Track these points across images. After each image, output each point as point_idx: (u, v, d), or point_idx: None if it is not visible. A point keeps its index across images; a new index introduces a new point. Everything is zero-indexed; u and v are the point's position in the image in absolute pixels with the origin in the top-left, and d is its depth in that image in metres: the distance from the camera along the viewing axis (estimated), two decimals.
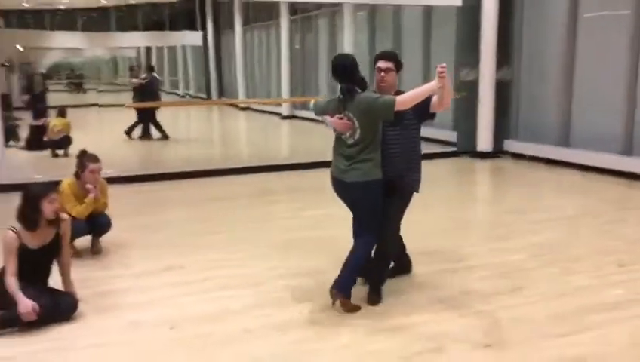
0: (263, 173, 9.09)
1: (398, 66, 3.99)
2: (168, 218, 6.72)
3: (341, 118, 3.84)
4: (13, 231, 3.77)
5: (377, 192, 3.91)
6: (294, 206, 7.34)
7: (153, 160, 11.22)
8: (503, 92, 10.39)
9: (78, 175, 5.01)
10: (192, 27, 24.33)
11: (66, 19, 25.15)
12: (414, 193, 4.12)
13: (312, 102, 4.42)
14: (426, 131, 12.23)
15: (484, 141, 10.36)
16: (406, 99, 3.69)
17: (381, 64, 3.95)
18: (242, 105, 21.67)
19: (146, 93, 12.96)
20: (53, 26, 25.26)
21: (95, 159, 4.99)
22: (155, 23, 25.59)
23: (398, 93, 3.84)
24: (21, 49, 23.44)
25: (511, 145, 10.37)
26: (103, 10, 23.65)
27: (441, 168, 9.79)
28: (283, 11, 17.74)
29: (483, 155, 10.31)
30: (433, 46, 12.51)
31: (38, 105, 13.88)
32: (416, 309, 3.97)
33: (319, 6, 16.78)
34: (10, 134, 12.16)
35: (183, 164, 9.78)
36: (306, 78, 18.13)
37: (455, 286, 4.38)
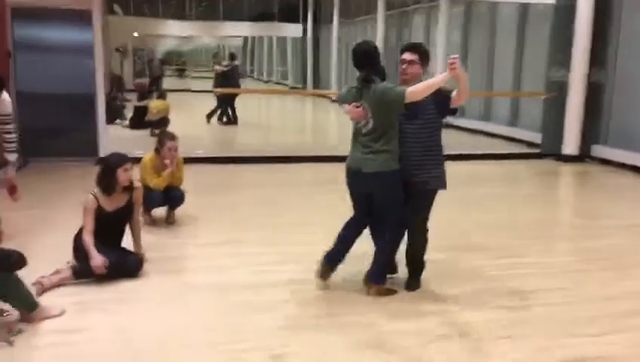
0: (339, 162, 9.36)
1: (424, 59, 3.93)
2: (240, 198, 7.17)
3: (357, 107, 3.85)
4: (92, 194, 4.30)
5: (396, 184, 3.89)
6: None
7: (237, 143, 11.88)
8: (595, 95, 10.02)
9: (157, 151, 5.54)
10: (294, 19, 25.01)
11: (179, 9, 26.68)
12: (438, 190, 4.04)
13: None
14: (510, 131, 12.00)
15: (571, 144, 10.06)
16: (417, 90, 3.64)
17: (406, 55, 3.92)
18: (334, 97, 21.99)
19: (227, 80, 13.63)
20: (167, 15, 26.89)
21: (172, 137, 5.49)
22: (260, 14, 26.50)
23: None
24: (136, 35, 25.11)
25: (599, 150, 9.98)
26: (212, 1, 24.84)
27: (521, 169, 9.67)
28: (380, 7, 17.91)
29: (568, 159, 10.00)
30: (527, 44, 12.26)
31: (152, 88, 15.04)
32: (450, 298, 4.10)
33: (417, 1, 16.81)
34: (117, 113, 13.28)
35: (263, 149, 10.28)
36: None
37: (496, 281, 4.46)
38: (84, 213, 4.27)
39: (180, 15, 26.31)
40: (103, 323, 3.61)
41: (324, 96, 23.02)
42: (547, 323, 3.74)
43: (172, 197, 5.63)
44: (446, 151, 4.08)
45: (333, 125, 16.95)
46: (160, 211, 5.75)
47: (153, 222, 5.64)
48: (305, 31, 24.77)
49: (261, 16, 26.07)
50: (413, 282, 4.26)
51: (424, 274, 4.30)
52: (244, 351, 3.28)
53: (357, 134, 3.96)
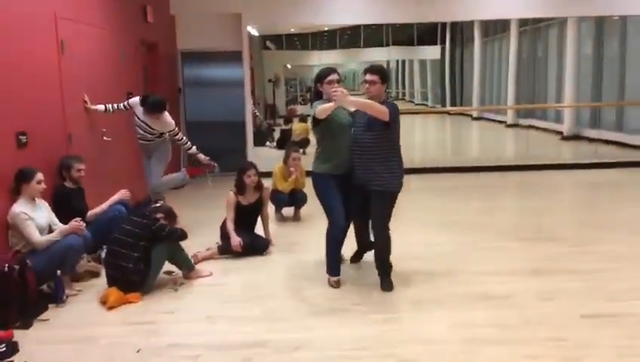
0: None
1: (384, 79, 4.49)
2: None
3: None
4: (232, 192, 5.79)
5: (320, 183, 4.72)
6: (468, 197, 8.43)
7: None
8: None
9: (285, 161, 6.98)
10: (432, 42, 25.94)
11: (328, 40, 28.82)
12: (397, 193, 4.57)
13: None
14: None
15: None
16: (320, 111, 4.41)
17: (367, 77, 4.51)
18: (474, 114, 22.51)
19: None
20: (317, 46, 29.19)
21: (296, 150, 6.89)
22: (400, 38, 27.76)
23: (384, 103, 4.40)
24: (289, 66, 27.59)
25: None
26: (355, 29, 26.56)
27: None
28: (513, 24, 18.33)
29: None
30: None
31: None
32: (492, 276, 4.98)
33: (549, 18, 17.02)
34: (268, 136, 15.23)
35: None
36: (536, 87, 18.42)
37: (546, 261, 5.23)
38: (227, 207, 5.78)
39: (328, 45, 28.43)
40: (237, 281, 5.03)
41: (463, 114, 23.64)
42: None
43: (297, 198, 7.01)
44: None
45: (474, 140, 17.65)
46: (289, 211, 7.16)
47: (283, 219, 7.07)
48: (442, 52, 25.57)
49: (401, 41, 27.30)
50: (385, 285, 4.68)
51: None
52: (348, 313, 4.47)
53: None
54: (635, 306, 4.19)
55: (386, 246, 4.73)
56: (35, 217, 4.60)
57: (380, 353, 3.59)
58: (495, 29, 21.36)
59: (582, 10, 11.07)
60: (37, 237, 4.53)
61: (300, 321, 4.14)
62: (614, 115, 13.81)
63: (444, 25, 25.03)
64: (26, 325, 4.10)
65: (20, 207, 4.53)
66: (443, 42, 25.70)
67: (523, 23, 18.28)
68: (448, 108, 24.57)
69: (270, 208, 6.81)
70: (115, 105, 6.44)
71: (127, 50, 7.62)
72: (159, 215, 4.92)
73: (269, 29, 18.30)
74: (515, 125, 18.32)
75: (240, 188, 5.76)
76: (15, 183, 4.62)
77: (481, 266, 5.18)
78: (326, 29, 27.35)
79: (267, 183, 6.22)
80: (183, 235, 5.03)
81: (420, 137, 18.87)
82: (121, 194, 5.60)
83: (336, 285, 4.77)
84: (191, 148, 6.79)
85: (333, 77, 4.67)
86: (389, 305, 4.41)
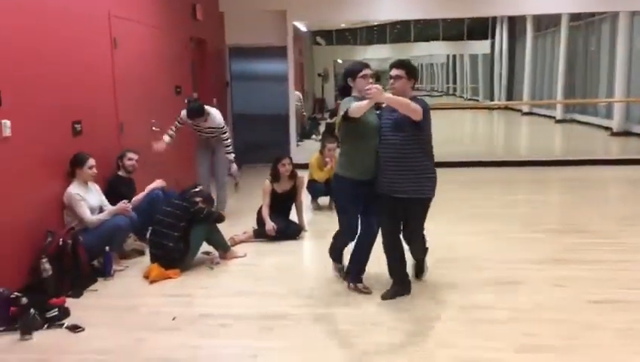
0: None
1: (410, 74, 4.17)
2: None
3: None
4: (268, 180, 6.16)
5: (339, 187, 4.45)
6: (497, 191, 8.55)
7: None
8: None
9: (321, 152, 7.31)
10: (483, 37, 25.74)
11: (379, 34, 28.97)
12: (431, 199, 4.27)
13: None
14: None
15: None
16: (353, 108, 4.04)
17: (393, 72, 4.19)
18: (525, 109, 22.26)
19: None
20: (367, 41, 29.40)
21: (331, 141, 7.19)
22: (450, 33, 27.65)
23: (413, 99, 4.06)
24: (340, 61, 27.91)
25: None
26: (405, 23, 26.63)
27: None
28: (564, 18, 18.09)
29: None
30: None
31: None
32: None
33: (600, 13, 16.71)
34: (314, 129, 15.62)
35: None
36: (587, 83, 18.13)
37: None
38: (263, 194, 6.16)
39: (379, 39, 28.59)
40: (269, 262, 5.41)
41: (513, 109, 23.42)
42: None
43: (332, 187, 7.31)
44: None
45: (521, 135, 17.54)
46: (324, 200, 7.48)
47: (318, 207, 7.40)
48: (493, 46, 25.34)
49: (451, 35, 27.19)
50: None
51: None
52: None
53: None
54: None
55: (424, 251, 4.64)
56: (88, 198, 5.09)
57: (389, 326, 3.88)
58: (547, 23, 21.07)
59: (634, 4, 10.89)
60: (89, 216, 5.01)
61: (322, 299, 4.47)
62: None
63: (494, 19, 24.83)
64: (77, 294, 4.58)
65: (74, 189, 5.03)
66: (493, 37, 25.46)
67: (575, 17, 18.02)
68: (490, 103, 24.33)
69: (307, 197, 7.21)
70: (173, 127, 6.77)
71: (176, 45, 8.09)
72: (198, 198, 5.33)
73: (317, 24, 18.64)
74: (563, 121, 18.10)
75: (275, 177, 6.13)
76: (70, 167, 5.12)
77: (503, 255, 5.38)
78: (375, 23, 27.64)
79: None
80: (220, 218, 5.44)
81: (467, 131, 18.90)
82: (157, 183, 5.96)
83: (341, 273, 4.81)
84: (230, 153, 6.92)
85: (367, 71, 4.32)
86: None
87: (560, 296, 4.33)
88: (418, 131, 4.11)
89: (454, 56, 33.76)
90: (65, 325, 4.02)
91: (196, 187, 5.63)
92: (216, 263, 5.33)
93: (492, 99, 25.19)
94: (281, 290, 4.67)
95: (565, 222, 6.70)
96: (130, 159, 5.81)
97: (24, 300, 3.91)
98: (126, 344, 3.75)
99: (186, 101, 7.62)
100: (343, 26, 26.25)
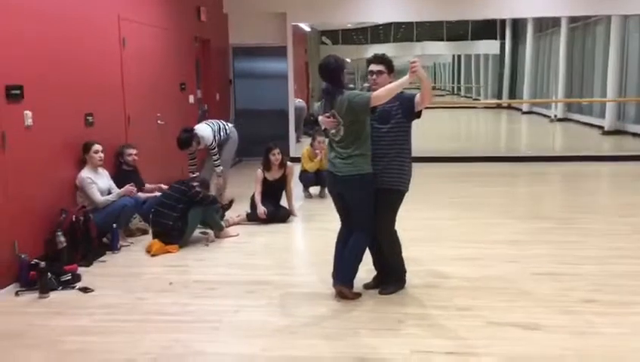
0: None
1: (390, 69, 4.15)
2: None
3: (328, 117, 4.09)
4: (260, 169, 6.79)
5: (367, 187, 4.10)
6: (481, 183, 9.13)
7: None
8: None
9: (312, 144, 7.93)
10: (487, 37, 26.15)
11: (385, 34, 29.50)
12: (405, 193, 4.26)
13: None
14: None
15: None
16: (380, 94, 3.91)
17: (372, 67, 4.12)
18: (524, 108, 22.75)
19: None
20: (372, 40, 29.92)
21: (321, 134, 7.80)
22: (455, 33, 28.10)
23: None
24: (348, 60, 28.52)
25: None
26: (409, 23, 27.18)
27: None
28: (563, 20, 18.58)
29: None
30: None
31: None
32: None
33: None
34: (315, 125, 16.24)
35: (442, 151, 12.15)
36: (583, 83, 18.62)
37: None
38: (255, 181, 6.80)
39: (384, 39, 29.13)
40: (259, 241, 6.05)
41: (514, 107, 23.93)
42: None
43: (321, 177, 7.93)
44: None
45: (522, 132, 18.07)
46: (315, 189, 8.10)
47: (310, 196, 8.03)
48: (502, 47, 25.80)
49: (456, 35, 27.64)
50: (385, 289, 4.39)
51: None
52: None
53: (331, 142, 4.21)
54: (578, 268, 4.94)
55: (397, 246, 4.43)
56: (98, 182, 5.74)
57: (356, 287, 4.47)
58: (547, 24, 21.53)
59: (625, 8, 11.35)
60: (98, 197, 5.67)
61: (301, 268, 5.09)
62: None
63: (503, 20, 25.25)
64: (87, 264, 5.23)
65: (85, 173, 5.68)
66: (503, 37, 25.93)
67: (573, 18, 18.48)
68: (484, 101, 24.76)
69: (299, 187, 7.85)
70: (190, 160, 7.45)
71: (180, 45, 8.75)
72: (195, 183, 5.98)
73: (322, 24, 19.22)
74: (561, 119, 18.59)
75: (266, 165, 6.76)
76: (82, 154, 5.78)
77: (470, 236, 5.98)
78: (382, 22, 28.19)
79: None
80: (215, 201, 6.09)
81: (465, 130, 19.46)
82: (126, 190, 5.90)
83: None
84: (218, 166, 7.39)
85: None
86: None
87: (508, 270, 4.92)
88: (404, 123, 4.16)
89: (458, 57, 34.18)
90: (77, 287, 4.68)
91: (194, 174, 6.27)
92: (211, 241, 5.97)
93: (500, 99, 25.66)
94: (266, 263, 5.30)
95: (533, 210, 7.30)
96: (129, 155, 6.40)
97: (42, 264, 4.57)
98: (128, 302, 4.40)
99: (199, 112, 8.21)
100: (349, 25, 26.89)
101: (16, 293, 4.54)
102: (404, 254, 4.49)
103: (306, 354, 3.51)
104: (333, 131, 4.12)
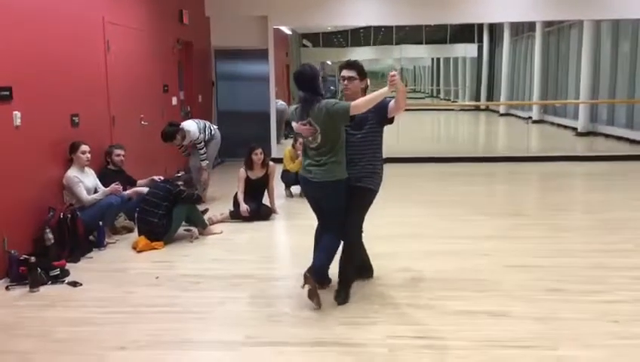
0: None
1: (361, 74, 4.24)
2: None
3: (304, 125, 4.15)
4: (243, 168, 6.98)
5: (338, 192, 4.18)
6: (460, 182, 9.42)
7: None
8: None
9: (293, 145, 8.13)
10: (465, 40, 26.61)
11: (365, 37, 29.84)
12: (376, 193, 4.33)
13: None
14: None
15: None
16: (360, 104, 3.96)
17: (344, 73, 4.22)
18: (501, 111, 23.21)
19: None
20: (352, 43, 30.21)
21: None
22: (434, 36, 28.51)
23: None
24: (329, 63, 28.74)
25: None
26: (389, 28, 27.54)
27: None
28: (538, 24, 19.04)
29: None
30: None
31: None
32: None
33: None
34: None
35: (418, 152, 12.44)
36: (558, 84, 19.09)
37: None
38: (238, 180, 6.99)
39: (364, 42, 29.43)
40: (242, 237, 6.24)
41: (492, 110, 24.39)
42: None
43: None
44: None
45: (498, 134, 18.45)
46: (296, 188, 8.27)
47: (291, 195, 8.22)
48: (480, 50, 26.28)
49: (435, 39, 28.07)
50: (341, 297, 4.32)
51: None
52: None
53: (306, 148, 4.30)
54: (548, 261, 5.21)
55: (360, 250, 4.58)
56: (84, 181, 5.89)
57: (335, 280, 4.68)
58: (523, 28, 22.00)
59: (597, 13, 11.75)
60: (85, 196, 5.82)
61: (283, 262, 5.29)
62: (625, 113, 14.44)
63: (480, 24, 25.73)
64: (75, 260, 5.38)
65: (72, 172, 5.83)
66: (481, 40, 26.39)
67: (548, 22, 18.94)
68: (462, 103, 25.23)
69: (281, 186, 8.05)
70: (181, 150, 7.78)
71: (163, 47, 8.90)
72: (180, 182, 6.16)
73: (303, 28, 19.48)
74: (537, 121, 19.02)
75: (248, 164, 6.95)
76: (69, 154, 5.92)
77: (445, 233, 6.22)
78: (362, 26, 28.51)
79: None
80: (199, 199, 6.28)
81: (444, 131, 19.81)
82: (112, 188, 6.05)
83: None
84: (204, 160, 7.63)
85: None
86: None
87: (482, 263, 5.18)
88: (379, 128, 4.27)
89: (438, 60, 34.67)
90: (66, 281, 4.83)
91: (179, 173, 6.44)
92: (195, 238, 6.14)
93: (478, 101, 26.11)
94: (250, 257, 5.50)
95: (509, 207, 7.58)
96: (117, 155, 6.56)
97: (33, 259, 4.72)
98: (117, 295, 4.57)
99: (182, 114, 8.44)
100: (329, 28, 27.17)
101: (7, 288, 4.68)
102: (380, 249, 4.76)
103: (287, 341, 3.71)
104: (309, 138, 4.18)
